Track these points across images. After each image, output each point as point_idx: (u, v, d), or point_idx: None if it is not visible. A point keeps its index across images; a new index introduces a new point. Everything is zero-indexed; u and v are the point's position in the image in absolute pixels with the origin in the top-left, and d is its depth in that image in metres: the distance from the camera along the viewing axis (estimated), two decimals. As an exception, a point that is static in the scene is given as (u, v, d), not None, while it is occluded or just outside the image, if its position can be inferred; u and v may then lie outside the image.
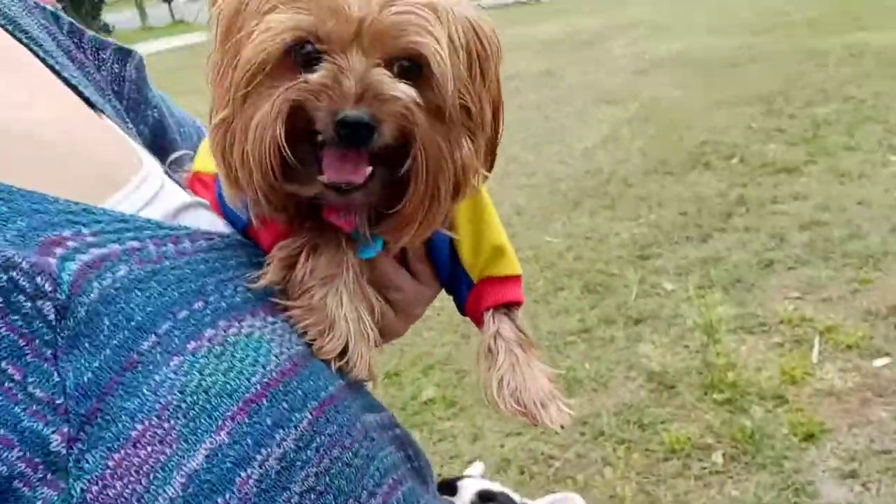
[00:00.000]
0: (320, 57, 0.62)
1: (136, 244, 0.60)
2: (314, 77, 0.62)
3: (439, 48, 0.63)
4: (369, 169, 0.65)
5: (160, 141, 0.95)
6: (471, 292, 0.86)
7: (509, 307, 0.86)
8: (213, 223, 0.74)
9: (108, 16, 27.79)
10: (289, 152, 0.63)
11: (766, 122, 5.85)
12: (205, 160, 0.81)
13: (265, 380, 0.58)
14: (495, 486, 1.50)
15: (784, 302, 3.50)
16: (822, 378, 2.98)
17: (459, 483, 1.48)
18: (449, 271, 0.87)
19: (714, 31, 9.83)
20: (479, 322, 0.87)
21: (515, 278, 0.86)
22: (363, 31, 0.61)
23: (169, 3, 27.70)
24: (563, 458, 2.79)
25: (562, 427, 0.81)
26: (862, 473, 2.50)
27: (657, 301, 3.71)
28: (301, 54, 0.63)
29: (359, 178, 0.64)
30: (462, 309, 0.89)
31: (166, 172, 0.80)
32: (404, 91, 0.63)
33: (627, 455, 2.70)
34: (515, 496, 1.51)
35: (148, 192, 0.70)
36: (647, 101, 7.17)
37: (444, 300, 0.94)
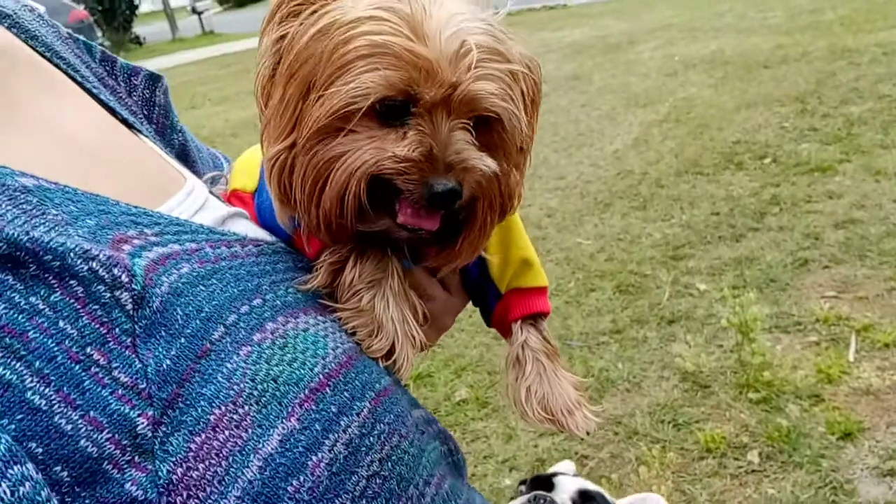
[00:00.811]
0: (406, 112, 0.65)
1: (193, 245, 0.63)
2: (405, 151, 0.65)
3: (516, 110, 0.67)
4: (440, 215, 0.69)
5: (185, 165, 0.98)
6: (498, 303, 0.89)
7: (536, 318, 0.88)
8: (257, 231, 0.77)
9: (138, 28, 28.16)
10: (367, 204, 0.67)
11: (799, 122, 5.79)
12: (241, 179, 0.85)
13: (326, 370, 0.61)
14: (592, 486, 1.51)
15: (820, 301, 3.47)
16: (859, 377, 2.95)
17: (555, 479, 1.49)
18: (477, 282, 0.90)
19: (744, 31, 9.74)
20: (506, 332, 0.90)
21: (542, 290, 0.89)
22: (453, 97, 0.64)
23: (199, 15, 28.01)
24: (597, 458, 2.79)
25: (587, 434, 0.84)
26: (901, 472, 2.47)
27: (690, 301, 3.69)
28: (386, 106, 0.65)
29: (434, 227, 0.69)
30: (489, 320, 0.92)
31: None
32: (488, 165, 0.68)
33: (662, 455, 2.69)
34: (610, 497, 1.52)
35: (196, 201, 0.74)
36: (678, 102, 7.13)
37: (475, 302, 0.95)
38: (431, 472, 0.70)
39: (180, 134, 0.98)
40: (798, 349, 3.19)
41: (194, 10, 28.66)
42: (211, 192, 0.83)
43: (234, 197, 0.86)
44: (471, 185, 0.68)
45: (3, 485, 0.44)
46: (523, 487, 1.50)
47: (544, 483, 1.49)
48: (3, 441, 0.46)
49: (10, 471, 0.45)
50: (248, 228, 0.76)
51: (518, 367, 0.86)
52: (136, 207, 0.63)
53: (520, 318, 0.88)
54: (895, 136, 5.08)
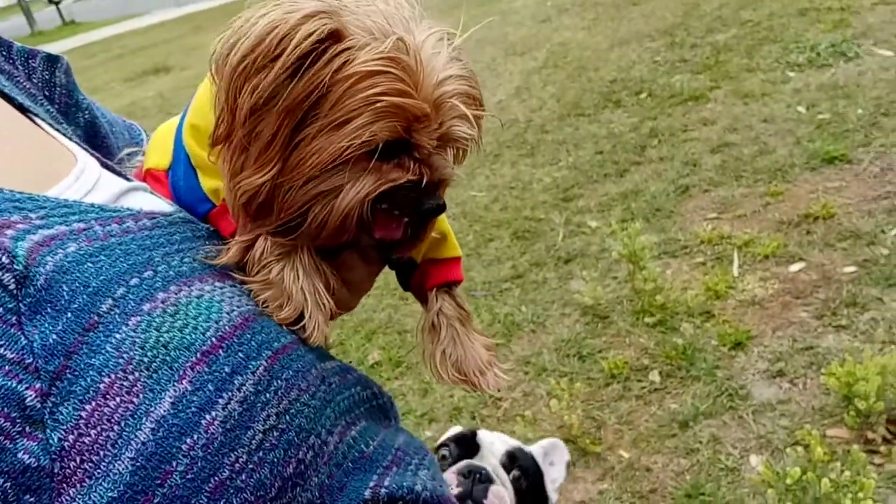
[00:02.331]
0: (398, 149, 0.73)
1: (81, 225, 0.63)
2: (409, 176, 0.74)
3: (476, 138, 0.79)
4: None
5: (94, 141, 0.97)
6: (415, 273, 0.93)
7: (450, 286, 0.93)
8: (154, 204, 0.77)
9: (-4, 24, 26.67)
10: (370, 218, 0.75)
11: (669, 55, 5.99)
12: (154, 157, 0.86)
13: (219, 333, 0.62)
14: (513, 442, 1.53)
15: (702, 223, 3.65)
16: (744, 290, 3.13)
17: (479, 439, 1.50)
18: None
19: (612, -29, 9.95)
20: (422, 299, 0.94)
21: (456, 259, 0.95)
22: (439, 135, 0.74)
23: (57, 5, 26.66)
24: (510, 398, 2.89)
25: (498, 390, 0.92)
26: (788, 371, 2.66)
27: (583, 239, 3.83)
28: (384, 147, 0.72)
29: (400, 235, 0.78)
30: (406, 286, 0.96)
31: (107, 166, 0.83)
32: (455, 175, 0.80)
33: (570, 386, 2.81)
34: (525, 447, 1.55)
35: (88, 182, 0.73)
36: (554, 47, 7.26)
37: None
38: (336, 420, 0.73)
39: (87, 111, 0.97)
40: (686, 271, 3.36)
41: (51, 1, 27.27)
42: (115, 170, 0.83)
43: (149, 176, 0.86)
44: (443, 193, 0.79)
45: None
46: (446, 452, 1.50)
47: (469, 445, 1.50)
48: None
49: None
50: (144, 202, 0.76)
51: (433, 333, 0.91)
52: (20, 193, 0.63)
53: (436, 287, 0.92)
54: (759, 60, 5.32)
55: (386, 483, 0.75)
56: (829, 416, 2.43)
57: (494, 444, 1.50)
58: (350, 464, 0.73)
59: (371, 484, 0.74)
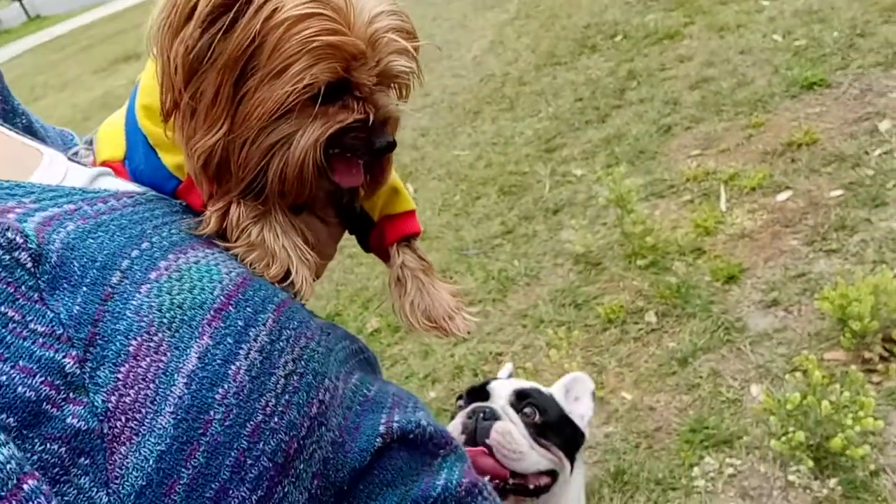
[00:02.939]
0: (341, 91, 0.75)
1: (71, 206, 0.67)
2: (352, 118, 0.76)
3: (415, 71, 0.81)
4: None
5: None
6: (373, 231, 0.95)
7: (409, 239, 0.95)
8: (126, 185, 0.81)
9: (-41, 27, 26.30)
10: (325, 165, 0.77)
11: (641, -5, 5.95)
12: (107, 150, 0.87)
13: (225, 291, 0.66)
14: (526, 384, 1.53)
15: (687, 161, 3.65)
16: (733, 223, 3.14)
17: (489, 387, 1.51)
18: (349, 212, 0.96)
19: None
20: (384, 256, 0.96)
21: (411, 213, 0.96)
22: (378, 71, 0.76)
23: (20, 1, 26.28)
24: (510, 353, 2.91)
25: (468, 333, 0.94)
26: (782, 300, 2.67)
27: (570, 188, 3.83)
28: (326, 90, 0.73)
29: (360, 180, 0.81)
30: (366, 246, 0.98)
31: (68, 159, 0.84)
32: (400, 111, 0.81)
33: (568, 335, 2.84)
34: (543, 388, 1.55)
35: (59, 171, 0.77)
36: (525, -2, 7.20)
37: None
38: (339, 368, 0.77)
39: (23, 116, 0.99)
40: (674, 210, 3.36)
41: (14, -3, 26.91)
42: (73, 160, 0.84)
43: (104, 167, 0.88)
44: (394, 132, 0.81)
45: None
46: (461, 402, 1.52)
47: (479, 393, 1.51)
48: None
49: None
50: (116, 184, 0.80)
51: (400, 286, 0.94)
52: (7, 181, 0.66)
53: (395, 242, 0.95)
54: (731, -9, 5.29)
55: (396, 419, 0.79)
56: (825, 339, 2.45)
57: (503, 388, 1.51)
58: (358, 406, 0.78)
59: (383, 420, 0.78)
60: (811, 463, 2.04)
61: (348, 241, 0.99)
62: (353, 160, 0.80)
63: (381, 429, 0.77)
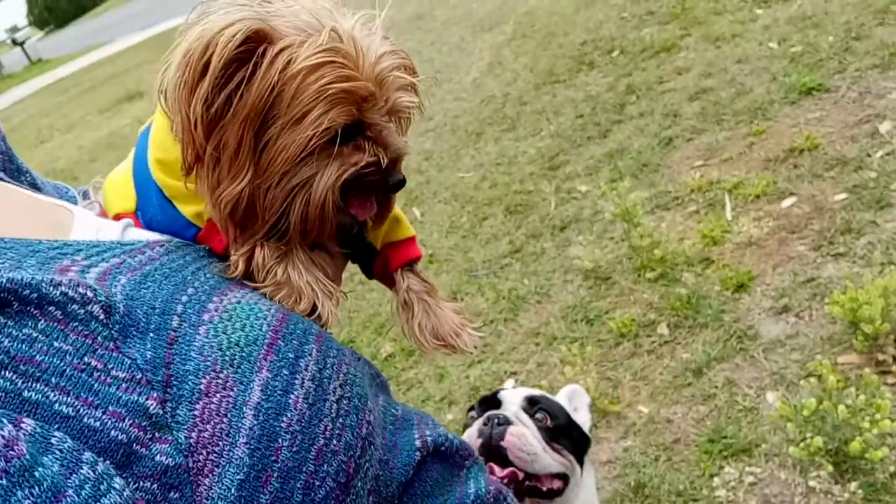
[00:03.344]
0: (354, 131, 0.79)
1: (117, 260, 0.71)
2: (367, 158, 0.80)
3: (417, 105, 0.86)
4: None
5: None
6: (377, 259, 1.00)
7: (411, 264, 1.01)
8: (150, 235, 0.85)
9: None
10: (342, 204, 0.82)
11: (635, 9, 5.99)
12: (118, 203, 0.90)
13: (272, 327, 0.71)
14: (535, 392, 1.60)
15: (690, 172, 3.67)
16: (740, 232, 3.16)
17: (500, 396, 1.57)
18: (352, 243, 1.00)
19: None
20: (389, 283, 1.01)
21: (412, 239, 1.02)
22: (389, 111, 0.81)
23: (21, 46, 26.57)
24: (525, 371, 2.93)
25: (475, 348, 0.99)
26: (793, 306, 2.69)
27: (576, 204, 3.85)
28: (342, 132, 0.78)
29: (373, 212, 0.87)
30: (369, 274, 1.03)
31: None
32: (407, 146, 0.86)
33: (582, 351, 2.85)
34: (551, 396, 1.62)
35: (92, 225, 0.81)
36: (521, 18, 7.25)
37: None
38: (371, 391, 0.82)
39: (27, 175, 1.02)
40: (680, 221, 3.38)
41: (15, 42, 27.18)
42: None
43: (117, 220, 0.91)
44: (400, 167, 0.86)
45: (84, 468, 0.53)
46: (474, 413, 1.58)
47: (491, 402, 1.57)
48: (66, 440, 0.54)
49: (83, 456, 0.54)
50: (143, 235, 0.84)
51: (407, 309, 0.98)
52: (56, 241, 0.71)
53: (399, 267, 0.99)
54: (726, 1, 5.32)
55: (427, 433, 0.85)
56: (838, 343, 2.46)
57: (515, 396, 1.57)
58: (391, 426, 0.83)
59: (416, 435, 0.84)
60: (831, 468, 2.05)
61: (358, 268, 1.02)
62: (367, 195, 0.84)
63: (417, 443, 0.83)
